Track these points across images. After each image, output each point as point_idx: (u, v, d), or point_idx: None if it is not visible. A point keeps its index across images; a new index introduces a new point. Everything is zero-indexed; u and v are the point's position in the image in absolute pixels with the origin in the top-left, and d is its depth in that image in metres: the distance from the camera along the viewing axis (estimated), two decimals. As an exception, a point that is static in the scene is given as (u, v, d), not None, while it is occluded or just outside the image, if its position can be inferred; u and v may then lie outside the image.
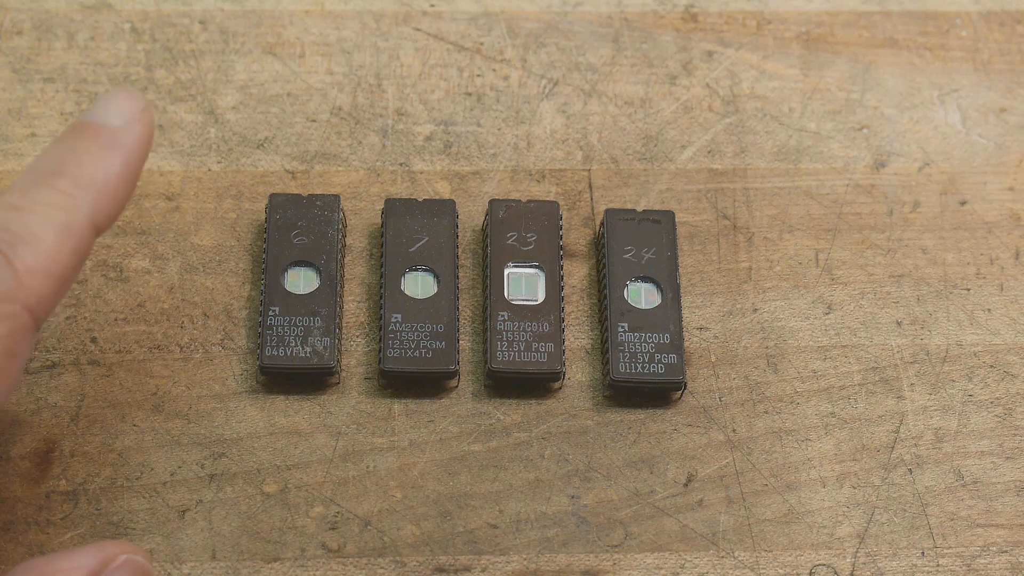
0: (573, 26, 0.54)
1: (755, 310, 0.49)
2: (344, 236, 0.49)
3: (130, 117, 0.40)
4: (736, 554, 0.45)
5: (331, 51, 0.53)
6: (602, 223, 0.49)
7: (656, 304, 0.48)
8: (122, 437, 0.46)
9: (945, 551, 0.45)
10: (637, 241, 0.49)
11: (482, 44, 0.54)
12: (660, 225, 0.49)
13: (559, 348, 0.47)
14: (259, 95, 0.52)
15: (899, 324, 0.49)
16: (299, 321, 0.46)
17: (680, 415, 0.47)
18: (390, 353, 0.46)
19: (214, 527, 0.44)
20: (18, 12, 0.53)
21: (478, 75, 0.53)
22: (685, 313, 0.48)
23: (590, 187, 0.51)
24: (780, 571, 0.44)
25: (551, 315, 0.47)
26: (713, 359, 0.48)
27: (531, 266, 0.48)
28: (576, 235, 0.50)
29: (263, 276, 0.47)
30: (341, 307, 0.48)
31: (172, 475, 0.45)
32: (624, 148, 0.52)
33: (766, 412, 0.47)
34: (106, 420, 0.46)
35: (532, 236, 0.49)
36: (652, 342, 0.47)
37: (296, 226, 0.48)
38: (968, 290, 0.50)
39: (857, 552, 0.45)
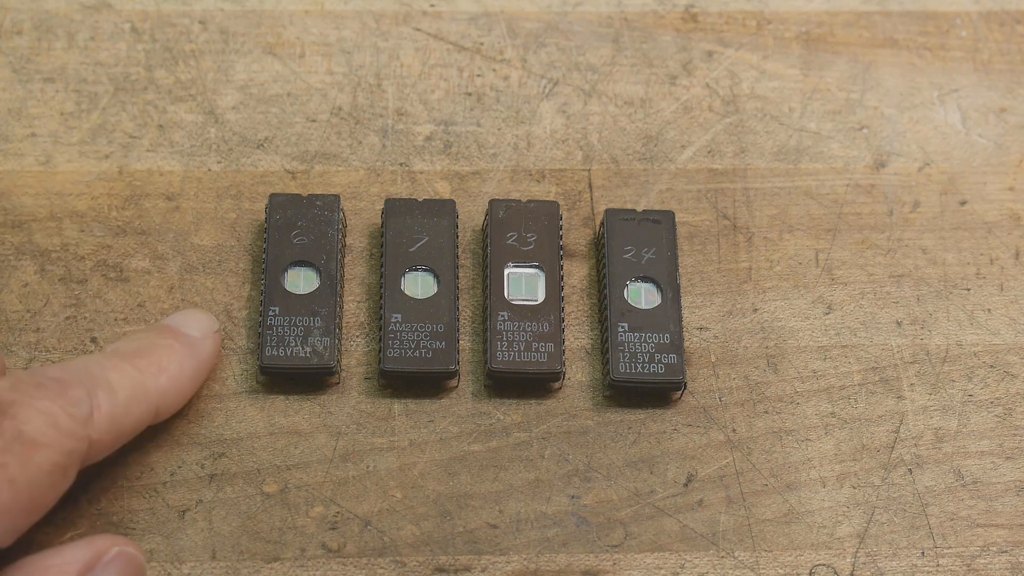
0: (573, 26, 0.54)
1: (755, 310, 0.49)
2: (344, 236, 0.49)
3: (207, 332, 0.46)
4: (736, 554, 0.45)
5: (331, 51, 0.53)
6: (602, 223, 0.49)
7: (656, 304, 0.48)
8: (122, 437, 0.46)
9: (945, 551, 0.45)
10: (637, 241, 0.49)
11: (482, 44, 0.54)
12: (660, 225, 0.49)
13: (559, 348, 0.47)
14: (259, 95, 0.52)
15: (899, 324, 0.49)
16: (299, 321, 0.46)
17: (680, 415, 0.47)
18: (390, 353, 0.46)
19: (214, 527, 0.44)
20: (18, 12, 0.53)
21: (478, 75, 0.53)
22: (685, 313, 0.48)
23: (590, 187, 0.51)
24: (780, 571, 0.44)
25: (551, 315, 0.47)
26: (713, 359, 0.48)
27: (531, 266, 0.48)
28: (576, 235, 0.50)
29: (263, 276, 0.47)
30: (341, 307, 0.48)
31: (172, 475, 0.45)
32: (624, 148, 0.52)
33: (766, 412, 0.47)
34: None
35: (532, 236, 0.49)
36: (652, 342, 0.47)
37: (296, 226, 0.48)
38: (968, 290, 0.50)
39: (857, 552, 0.45)
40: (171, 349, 0.44)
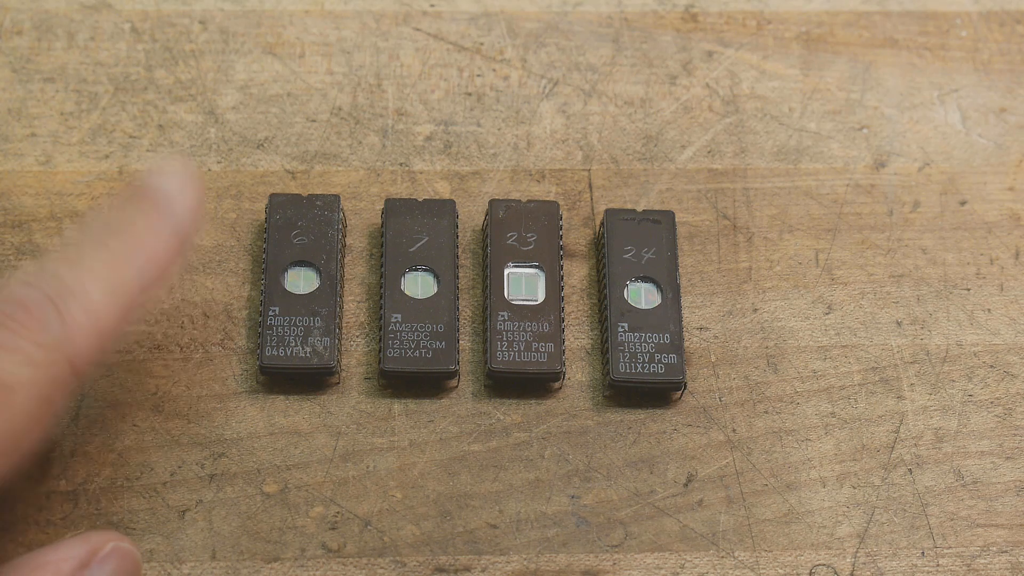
0: (573, 26, 0.54)
1: (755, 310, 0.49)
2: (344, 236, 0.49)
3: (183, 184, 0.41)
4: (736, 554, 0.45)
5: (331, 51, 0.53)
6: (602, 223, 0.49)
7: (656, 304, 0.48)
8: (122, 437, 0.46)
9: (945, 551, 0.45)
10: (637, 241, 0.49)
11: (482, 44, 0.54)
12: (660, 225, 0.49)
13: (559, 348, 0.47)
14: (259, 95, 0.52)
15: (899, 324, 0.49)
16: (299, 321, 0.46)
17: (680, 415, 0.47)
18: (390, 353, 0.46)
19: (214, 527, 0.44)
20: (18, 12, 0.53)
21: (478, 75, 0.53)
22: (685, 313, 0.48)
23: (590, 187, 0.51)
24: (780, 571, 0.44)
25: (551, 315, 0.47)
26: (713, 359, 0.48)
27: (531, 266, 0.48)
28: (576, 235, 0.50)
29: (263, 276, 0.47)
30: (341, 307, 0.48)
31: (172, 475, 0.45)
32: (624, 148, 0.52)
33: (766, 412, 0.47)
34: (106, 420, 0.46)
35: (532, 236, 0.49)
36: (652, 342, 0.47)
37: (296, 226, 0.48)
38: (968, 290, 0.50)
39: (857, 552, 0.45)
40: (145, 217, 0.40)
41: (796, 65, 0.54)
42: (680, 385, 0.46)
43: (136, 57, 0.53)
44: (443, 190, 0.51)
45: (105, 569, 0.40)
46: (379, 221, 0.50)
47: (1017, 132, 0.53)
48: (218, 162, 0.51)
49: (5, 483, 0.38)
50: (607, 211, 0.49)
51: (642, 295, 0.48)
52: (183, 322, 0.47)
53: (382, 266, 0.48)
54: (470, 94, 0.53)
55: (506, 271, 0.48)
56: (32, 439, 0.39)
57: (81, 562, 0.40)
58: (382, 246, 0.48)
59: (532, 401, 0.47)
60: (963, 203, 0.51)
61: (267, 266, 0.47)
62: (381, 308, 0.47)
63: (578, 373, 0.47)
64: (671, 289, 0.48)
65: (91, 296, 0.39)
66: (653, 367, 0.46)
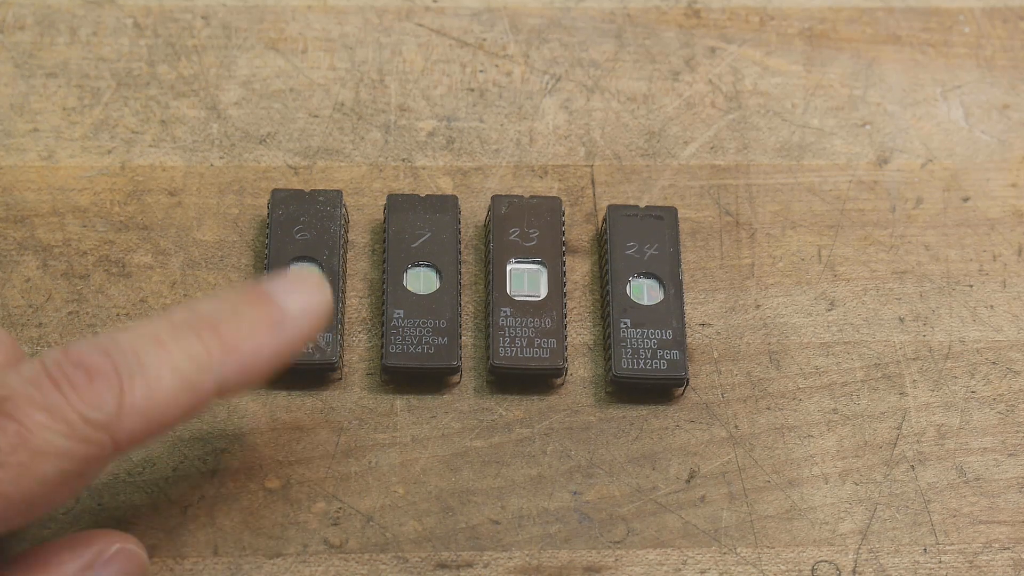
0: (576, 22, 0.54)
1: (757, 306, 0.49)
2: (346, 232, 0.49)
3: (307, 309, 0.39)
4: (738, 550, 0.45)
5: (334, 46, 0.53)
6: (604, 219, 0.49)
7: (658, 300, 0.48)
8: (124, 432, 0.45)
9: (947, 548, 0.45)
10: (639, 237, 0.49)
11: (485, 40, 0.54)
12: (663, 221, 0.49)
13: (561, 344, 0.47)
14: (261, 90, 0.52)
15: (902, 320, 0.49)
16: (301, 317, 0.46)
17: (682, 411, 0.47)
18: (392, 349, 0.46)
19: (216, 522, 0.44)
20: (21, 7, 0.53)
21: (481, 71, 0.53)
22: (687, 309, 0.48)
23: (592, 183, 0.51)
24: (782, 567, 0.44)
25: (553, 311, 0.47)
26: (715, 355, 0.48)
27: (533, 262, 0.48)
28: (578, 231, 0.50)
29: (265, 271, 0.47)
30: (343, 303, 0.48)
31: (174, 470, 0.45)
32: (627, 144, 0.52)
33: (768, 408, 0.47)
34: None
35: (534, 232, 0.49)
36: (654, 338, 0.47)
37: (298, 222, 0.48)
38: (971, 287, 0.50)
39: (859, 549, 0.45)
40: (253, 325, 0.38)
41: (799, 61, 0.54)
42: (682, 381, 0.46)
43: (139, 52, 0.53)
44: (445, 186, 0.51)
45: (110, 570, 0.40)
46: (381, 217, 0.50)
47: (1020, 128, 0.53)
48: (220, 157, 0.51)
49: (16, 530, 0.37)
50: (609, 207, 0.49)
51: (644, 291, 0.48)
52: (185, 317, 0.47)
53: (384, 262, 0.48)
54: (473, 90, 0.53)
55: (508, 267, 0.48)
56: (53, 505, 0.37)
57: (86, 563, 0.39)
58: (384, 242, 0.48)
59: (534, 397, 0.47)
60: (966, 199, 0.51)
61: (269, 262, 0.47)
62: (383, 304, 0.47)
63: (580, 369, 0.47)
64: (673, 285, 0.48)
65: (161, 382, 0.36)
66: (655, 363, 0.46)
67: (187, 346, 0.37)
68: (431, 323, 0.47)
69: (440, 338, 0.46)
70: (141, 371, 0.36)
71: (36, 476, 0.36)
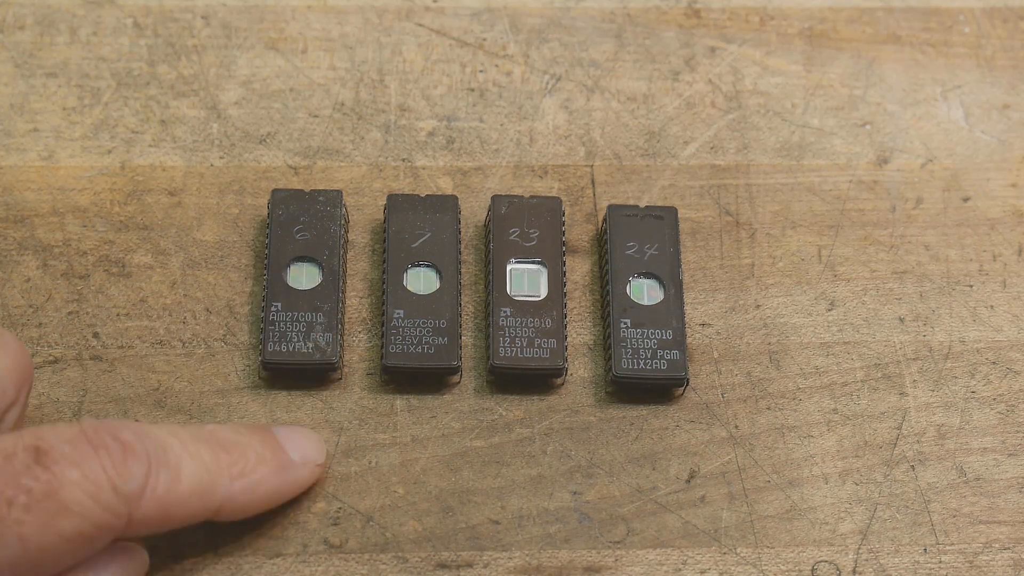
0: (576, 22, 0.54)
1: (758, 306, 0.49)
2: (346, 232, 0.49)
3: (307, 461, 0.43)
4: (738, 550, 0.45)
5: (334, 46, 0.53)
6: (604, 219, 0.49)
7: (658, 300, 0.48)
8: (124, 432, 0.45)
9: (947, 548, 0.45)
10: (639, 237, 0.49)
11: (485, 40, 0.54)
12: (663, 221, 0.49)
13: (561, 344, 0.47)
14: (261, 90, 0.52)
15: (902, 320, 0.49)
16: (301, 317, 0.46)
17: (682, 411, 0.47)
18: (392, 349, 0.46)
19: (216, 522, 0.44)
20: (21, 7, 0.53)
21: (481, 71, 0.53)
22: (687, 309, 0.48)
23: (592, 183, 0.51)
24: (782, 567, 0.44)
25: (553, 311, 0.47)
26: (715, 355, 0.48)
27: (533, 262, 0.48)
28: (578, 231, 0.50)
29: (265, 271, 0.47)
30: (343, 303, 0.48)
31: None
32: (627, 144, 0.52)
33: (768, 408, 0.47)
34: (108, 415, 0.46)
35: (534, 232, 0.49)
36: (654, 338, 0.47)
37: (298, 221, 0.48)
38: (971, 287, 0.50)
39: (859, 549, 0.45)
40: (262, 459, 0.42)
41: (799, 61, 0.54)
42: (682, 381, 0.46)
43: (138, 52, 0.53)
44: (445, 186, 0.51)
45: (110, 570, 0.40)
46: (381, 217, 0.50)
47: (1020, 128, 0.53)
48: (220, 157, 0.51)
49: None
50: (610, 207, 0.49)
51: (644, 291, 0.48)
52: (185, 317, 0.47)
53: (384, 262, 0.48)
54: (473, 90, 0.53)
55: (508, 267, 0.48)
56: (57, 567, 0.38)
57: (87, 562, 0.40)
58: (384, 242, 0.48)
59: (534, 397, 0.47)
60: (966, 199, 0.51)
61: (269, 261, 0.47)
62: (383, 304, 0.47)
63: (580, 369, 0.47)
64: (673, 285, 0.48)
65: (181, 479, 0.39)
66: (655, 363, 0.46)
67: (206, 458, 0.40)
68: (431, 323, 0.47)
69: (440, 338, 0.46)
70: (166, 463, 0.39)
71: (56, 529, 0.37)
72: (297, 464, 0.43)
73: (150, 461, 0.39)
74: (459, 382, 0.47)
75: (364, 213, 0.50)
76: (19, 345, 0.41)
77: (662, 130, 0.52)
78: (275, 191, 0.49)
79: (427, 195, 0.49)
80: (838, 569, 0.44)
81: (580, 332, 0.48)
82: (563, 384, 0.47)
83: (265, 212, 0.49)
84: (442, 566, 0.44)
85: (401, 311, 0.47)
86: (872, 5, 0.55)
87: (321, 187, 0.50)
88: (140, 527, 0.39)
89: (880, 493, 0.46)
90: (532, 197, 0.49)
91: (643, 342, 0.47)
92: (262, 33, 0.53)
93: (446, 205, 0.49)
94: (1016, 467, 0.46)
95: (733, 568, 0.44)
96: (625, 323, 0.47)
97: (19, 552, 0.37)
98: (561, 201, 0.49)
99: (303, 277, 0.47)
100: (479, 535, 0.45)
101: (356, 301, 0.48)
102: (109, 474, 0.38)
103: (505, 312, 0.47)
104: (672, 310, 0.47)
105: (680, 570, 0.44)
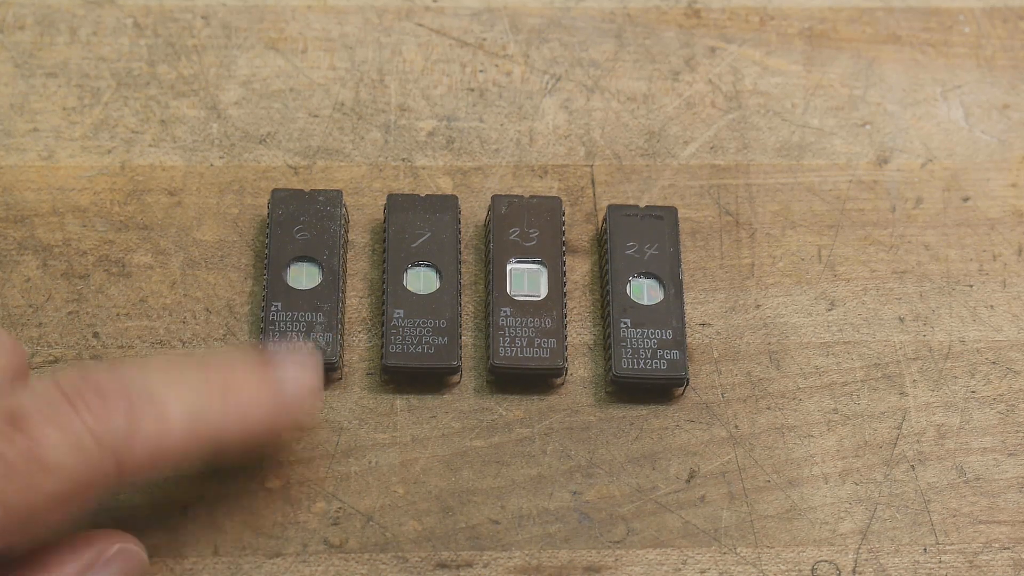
0: (576, 22, 0.54)
1: (758, 306, 0.49)
2: (346, 232, 0.49)
3: (300, 385, 0.41)
4: (738, 550, 0.45)
5: (334, 46, 0.53)
6: (604, 219, 0.49)
7: (658, 300, 0.48)
8: (124, 432, 0.45)
9: (947, 547, 0.45)
10: (639, 237, 0.49)
11: (485, 40, 0.54)
12: (663, 221, 0.49)
13: (561, 344, 0.47)
14: (261, 90, 0.52)
15: (902, 320, 0.49)
16: (301, 316, 0.46)
17: (682, 411, 0.47)
18: (392, 349, 0.46)
19: (216, 522, 0.44)
20: (21, 7, 0.53)
21: (481, 71, 0.53)
22: (687, 309, 0.48)
23: (592, 183, 0.51)
24: (782, 567, 0.44)
25: (553, 311, 0.47)
26: (715, 355, 0.48)
27: (533, 262, 0.48)
28: (578, 231, 0.50)
29: (265, 271, 0.47)
30: (343, 303, 0.48)
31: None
32: (627, 144, 0.52)
33: (768, 408, 0.47)
34: (108, 415, 0.46)
35: (534, 232, 0.49)
36: (654, 338, 0.47)
37: (298, 221, 0.48)
38: (971, 286, 0.50)
39: (859, 548, 0.45)
40: (254, 383, 0.40)
41: (799, 61, 0.54)
42: (682, 381, 0.46)
43: (138, 52, 0.53)
44: (445, 186, 0.51)
45: (110, 570, 0.40)
46: (381, 217, 0.50)
47: (1020, 128, 0.53)
48: (220, 157, 0.51)
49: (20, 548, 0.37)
50: (610, 207, 0.49)
51: (644, 291, 0.48)
52: (185, 317, 0.47)
53: (384, 262, 0.48)
54: (473, 90, 0.53)
55: (508, 267, 0.48)
56: (52, 523, 0.37)
57: (86, 563, 0.39)
58: (384, 242, 0.48)
59: (534, 397, 0.47)
60: (966, 199, 0.51)
61: (269, 261, 0.47)
62: (383, 304, 0.47)
63: (580, 369, 0.47)
64: (673, 285, 0.48)
65: (169, 415, 0.38)
66: (655, 363, 0.46)
67: (195, 386, 0.38)
68: (431, 323, 0.47)
69: (440, 338, 0.46)
70: (151, 401, 0.37)
71: (40, 490, 0.36)
72: (289, 388, 0.41)
73: (133, 405, 0.37)
74: (459, 382, 0.47)
75: (364, 213, 0.50)
76: (13, 342, 0.41)
77: (662, 130, 0.52)
78: (275, 191, 0.49)
79: (427, 195, 0.49)
80: (838, 569, 0.44)
81: (580, 332, 0.48)
82: (563, 384, 0.47)
83: (265, 212, 0.49)
84: (442, 566, 0.44)
85: (401, 311, 0.47)
86: (872, 5, 0.55)
87: (321, 187, 0.50)
88: (134, 472, 0.37)
89: (880, 493, 0.46)
90: (532, 197, 0.49)
91: (643, 342, 0.47)
92: (262, 33, 0.53)
93: (446, 205, 0.49)
94: (1016, 467, 0.46)
95: (733, 568, 0.44)
96: (625, 323, 0.47)
97: (3, 517, 0.36)
98: (561, 201, 0.49)
99: (303, 277, 0.47)
100: (479, 535, 0.45)
101: (356, 301, 0.48)
102: (90, 426, 0.36)
103: (505, 312, 0.47)
104: (672, 310, 0.47)
105: (680, 570, 0.44)
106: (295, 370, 0.41)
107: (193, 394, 0.38)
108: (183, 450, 0.38)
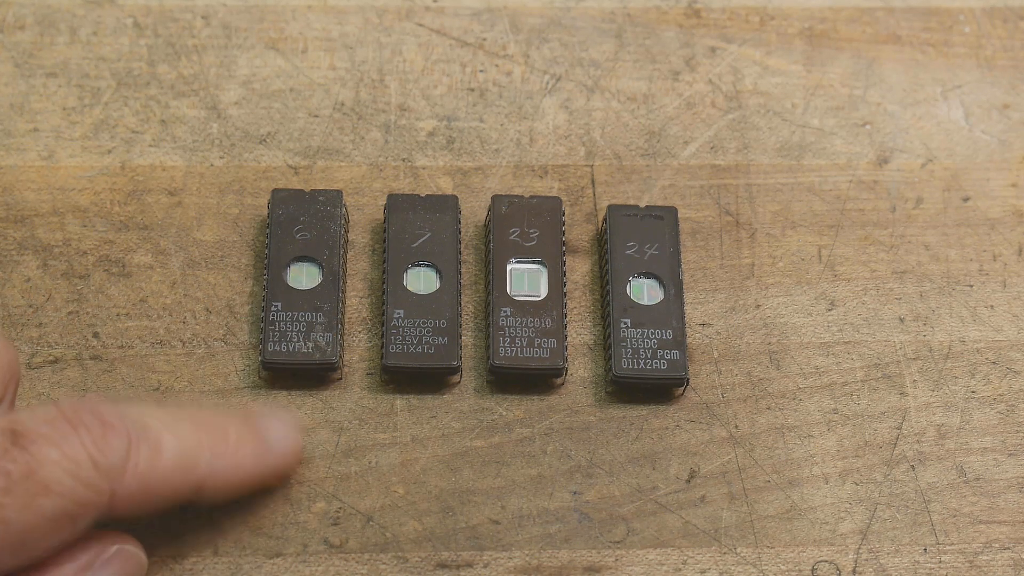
0: (576, 22, 0.54)
1: (758, 306, 0.49)
2: (346, 232, 0.49)
3: (288, 451, 0.43)
4: (738, 550, 0.45)
5: (334, 46, 0.53)
6: (605, 219, 0.49)
7: (658, 300, 0.48)
8: (124, 432, 0.45)
9: (947, 548, 0.45)
10: (640, 237, 0.49)
11: (485, 39, 0.54)
12: (663, 221, 0.49)
13: (561, 344, 0.47)
14: (262, 90, 0.52)
15: (902, 320, 0.49)
16: (301, 316, 0.46)
17: (682, 411, 0.47)
18: (392, 349, 0.46)
19: (216, 522, 0.44)
20: (21, 7, 0.53)
21: (481, 71, 0.53)
22: (688, 309, 0.48)
23: (593, 183, 0.51)
24: (782, 567, 0.44)
25: (553, 311, 0.47)
26: (715, 355, 0.48)
27: (533, 262, 0.48)
28: (579, 231, 0.50)
29: (265, 271, 0.47)
30: (343, 303, 0.48)
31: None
32: (627, 144, 0.52)
33: (768, 408, 0.47)
34: (108, 415, 0.46)
35: (534, 232, 0.49)
36: (654, 338, 0.47)
37: (298, 221, 0.48)
38: (971, 286, 0.50)
39: (859, 549, 0.45)
40: (242, 439, 0.42)
41: (799, 61, 0.54)
42: (682, 381, 0.46)
43: (139, 52, 0.53)
44: (446, 186, 0.51)
45: (109, 571, 0.40)
46: (381, 217, 0.50)
47: (1020, 128, 0.53)
48: (220, 157, 0.51)
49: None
50: (610, 207, 0.49)
51: (644, 291, 0.48)
52: (185, 317, 0.48)
53: (384, 262, 0.48)
54: (473, 90, 0.53)
55: (509, 267, 0.48)
56: (45, 547, 0.38)
57: (85, 564, 0.39)
58: (384, 242, 0.48)
59: (534, 397, 0.47)
60: (966, 199, 0.51)
61: (269, 261, 0.47)
62: (383, 304, 0.47)
63: (580, 369, 0.47)
64: (674, 285, 0.48)
65: (162, 454, 0.39)
66: (655, 363, 0.46)
67: (188, 435, 0.40)
68: (431, 323, 0.47)
69: (440, 338, 0.46)
70: (147, 439, 0.39)
71: (37, 510, 0.37)
72: (277, 451, 0.43)
73: (130, 436, 0.38)
74: (459, 382, 0.47)
75: (364, 213, 0.50)
76: (4, 342, 0.41)
77: (662, 130, 0.52)
78: (275, 191, 0.49)
79: (427, 195, 0.49)
80: (838, 569, 0.44)
81: (580, 332, 0.48)
82: (563, 384, 0.47)
83: (265, 212, 0.49)
84: (442, 566, 0.44)
85: (401, 311, 0.47)
86: (872, 5, 0.55)
87: (321, 187, 0.50)
88: (124, 504, 0.39)
89: (880, 493, 0.46)
90: (532, 197, 0.49)
91: (643, 342, 0.47)
92: (262, 33, 0.53)
93: (446, 205, 0.49)
94: (1016, 467, 0.46)
95: (733, 568, 0.44)
96: (625, 323, 0.47)
97: (1, 535, 0.37)
98: (561, 201, 0.49)
99: (303, 277, 0.47)
100: (479, 535, 0.45)
101: (356, 301, 0.48)
102: (89, 451, 0.37)
103: (505, 312, 0.47)
104: (672, 310, 0.47)
105: (680, 570, 0.44)
106: (281, 428, 0.43)
107: (186, 436, 0.40)
108: (172, 488, 0.40)
